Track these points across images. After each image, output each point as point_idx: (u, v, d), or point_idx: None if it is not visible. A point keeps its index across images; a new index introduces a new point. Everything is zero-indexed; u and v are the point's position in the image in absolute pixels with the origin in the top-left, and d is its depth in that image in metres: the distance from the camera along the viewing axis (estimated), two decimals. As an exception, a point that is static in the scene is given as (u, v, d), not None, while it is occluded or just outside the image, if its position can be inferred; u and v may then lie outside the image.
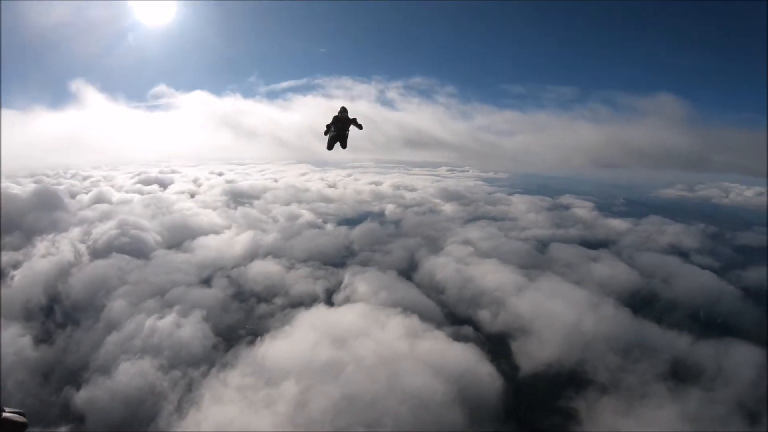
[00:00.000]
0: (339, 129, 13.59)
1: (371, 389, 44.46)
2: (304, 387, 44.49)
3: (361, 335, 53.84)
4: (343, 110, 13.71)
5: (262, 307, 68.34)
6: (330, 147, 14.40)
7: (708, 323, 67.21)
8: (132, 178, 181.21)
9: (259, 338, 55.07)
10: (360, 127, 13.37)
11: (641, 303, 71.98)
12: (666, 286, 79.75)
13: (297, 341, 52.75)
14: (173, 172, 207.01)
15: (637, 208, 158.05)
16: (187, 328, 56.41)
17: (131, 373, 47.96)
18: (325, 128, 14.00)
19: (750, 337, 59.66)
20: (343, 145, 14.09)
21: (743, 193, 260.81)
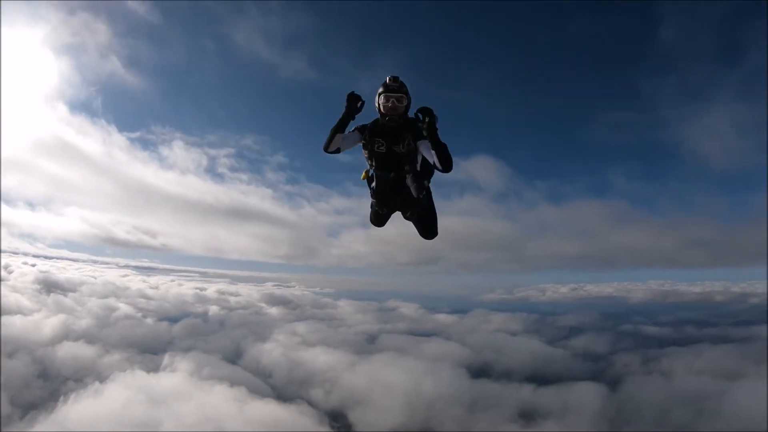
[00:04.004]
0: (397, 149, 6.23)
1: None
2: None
3: (183, 397, 52.62)
4: (397, 86, 5.92)
5: (70, 385, 62.76)
6: (379, 220, 6.92)
7: (545, 376, 73.19)
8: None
9: (62, 398, 51.83)
10: (447, 163, 5.78)
11: (477, 371, 75.89)
12: (499, 356, 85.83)
13: (107, 399, 50.52)
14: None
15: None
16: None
17: None
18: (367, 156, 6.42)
19: (587, 378, 68.39)
20: (421, 221, 6.75)
21: (558, 290, 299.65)
